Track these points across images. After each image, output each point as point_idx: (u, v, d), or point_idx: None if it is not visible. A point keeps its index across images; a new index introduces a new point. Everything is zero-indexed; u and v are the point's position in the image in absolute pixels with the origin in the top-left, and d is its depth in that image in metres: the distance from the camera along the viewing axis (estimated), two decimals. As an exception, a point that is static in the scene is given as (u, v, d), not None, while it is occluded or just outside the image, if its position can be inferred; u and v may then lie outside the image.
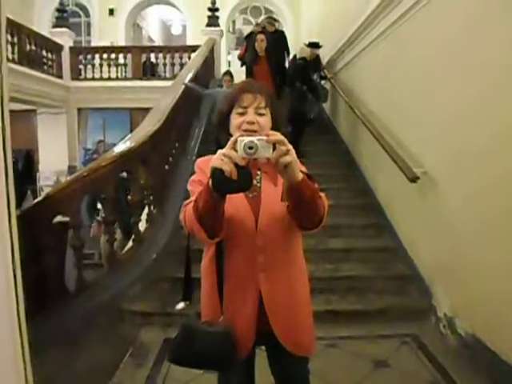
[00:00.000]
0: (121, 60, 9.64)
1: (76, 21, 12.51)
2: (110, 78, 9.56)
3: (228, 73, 6.05)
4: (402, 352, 2.77)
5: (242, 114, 1.34)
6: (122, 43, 11.54)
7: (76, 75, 9.64)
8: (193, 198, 1.24)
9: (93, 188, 3.26)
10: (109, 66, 9.54)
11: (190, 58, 8.89)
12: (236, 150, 1.09)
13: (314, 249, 3.65)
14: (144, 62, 9.78)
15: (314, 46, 6.08)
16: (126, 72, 9.69)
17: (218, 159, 1.09)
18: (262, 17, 12.42)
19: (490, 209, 2.42)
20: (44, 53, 8.84)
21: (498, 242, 2.36)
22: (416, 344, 2.84)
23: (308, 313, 1.46)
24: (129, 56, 9.70)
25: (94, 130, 9.95)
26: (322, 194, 1.27)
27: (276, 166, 1.11)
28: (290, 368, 1.47)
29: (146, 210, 3.87)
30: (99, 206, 4.82)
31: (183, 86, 5.19)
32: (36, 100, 8.49)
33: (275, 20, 7.27)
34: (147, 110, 4.70)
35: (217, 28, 9.24)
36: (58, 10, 9.84)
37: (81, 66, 9.73)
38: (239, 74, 6.19)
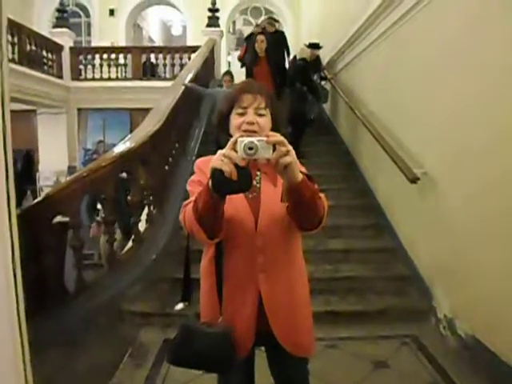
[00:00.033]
0: (121, 60, 9.64)
1: (76, 21, 12.52)
2: (110, 79, 9.57)
3: (228, 73, 6.05)
4: (401, 353, 2.77)
5: (241, 115, 1.33)
6: (122, 43, 11.55)
7: (76, 75, 9.65)
8: (192, 199, 1.24)
9: (93, 188, 3.26)
10: (109, 66, 9.55)
11: (190, 58, 8.89)
12: (236, 151, 1.08)
13: (313, 249, 3.65)
14: (144, 63, 9.79)
15: (315, 46, 6.09)
16: (126, 72, 9.70)
17: (217, 160, 1.09)
18: (263, 17, 12.42)
19: (490, 209, 2.42)
20: (44, 53, 8.85)
21: (498, 243, 2.36)
22: (416, 345, 2.84)
23: (308, 313, 1.46)
24: (129, 56, 9.70)
25: (94, 131, 9.96)
26: (322, 195, 1.27)
27: (276, 167, 1.11)
28: (290, 369, 1.47)
29: (145, 211, 3.87)
30: (99, 206, 4.82)
31: (183, 87, 5.19)
32: (36, 100, 8.50)
33: (275, 20, 7.27)
34: (147, 110, 4.70)
35: (217, 28, 9.24)
36: (58, 10, 9.85)
37: (81, 67, 9.74)
38: (239, 74, 6.18)
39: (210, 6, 9.30)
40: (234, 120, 1.35)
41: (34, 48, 8.38)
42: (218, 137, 1.43)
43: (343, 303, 3.28)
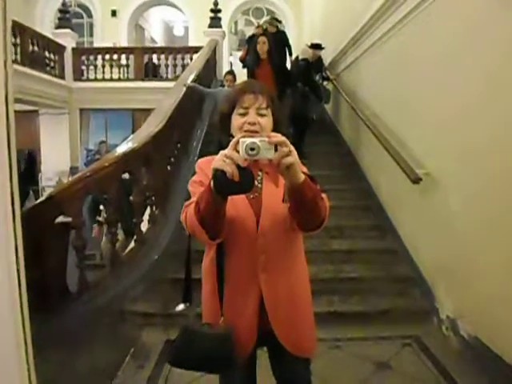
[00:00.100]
0: (123, 61, 9.66)
1: (78, 22, 12.52)
2: (112, 79, 9.58)
3: (230, 72, 6.04)
4: (404, 354, 2.76)
5: (243, 115, 1.33)
6: (124, 44, 11.59)
7: (78, 76, 9.67)
8: (194, 199, 1.24)
9: (95, 188, 3.26)
10: (111, 66, 9.56)
11: (192, 59, 8.91)
12: (238, 151, 1.08)
13: (316, 250, 3.65)
14: (146, 63, 9.80)
15: (317, 47, 6.09)
16: (128, 73, 9.72)
17: (219, 160, 1.09)
18: (264, 18, 12.44)
19: (493, 210, 2.42)
20: (46, 53, 8.87)
21: (501, 243, 2.35)
22: (418, 346, 2.83)
23: (309, 314, 1.46)
24: (131, 57, 9.72)
25: (96, 131, 9.98)
26: (324, 195, 1.27)
27: (278, 167, 1.11)
28: (292, 369, 1.47)
29: (148, 211, 3.88)
30: (101, 207, 4.82)
31: (185, 88, 5.19)
32: (38, 101, 8.52)
33: (278, 21, 7.27)
34: (149, 110, 4.71)
35: (219, 29, 9.25)
36: (60, 11, 9.87)
37: (83, 67, 9.76)
38: (241, 75, 6.19)
39: (212, 6, 9.31)
40: (236, 120, 1.34)
41: (36, 49, 8.41)
42: (219, 137, 1.43)
43: (345, 304, 3.27)
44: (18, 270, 1.24)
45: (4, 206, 1.21)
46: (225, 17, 10.67)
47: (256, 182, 1.31)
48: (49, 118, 9.45)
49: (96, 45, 11.87)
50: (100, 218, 5.23)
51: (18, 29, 7.66)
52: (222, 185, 1.09)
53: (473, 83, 2.58)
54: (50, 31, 10.05)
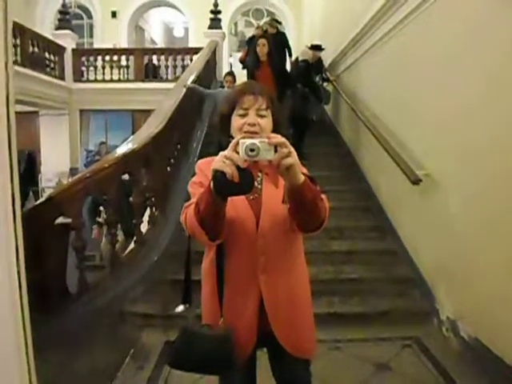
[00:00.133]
0: (123, 62, 9.67)
1: (79, 23, 12.53)
2: (112, 80, 9.59)
3: (230, 73, 6.05)
4: (404, 355, 2.76)
5: (242, 116, 1.33)
6: (124, 45, 11.61)
7: (78, 77, 9.67)
8: (193, 200, 1.24)
9: (95, 189, 3.26)
10: (111, 67, 9.57)
11: (191, 60, 8.92)
12: (238, 152, 1.08)
13: (316, 251, 3.65)
14: (146, 64, 9.80)
15: (317, 48, 6.10)
16: (128, 74, 9.73)
17: (219, 161, 1.09)
18: (264, 19, 12.44)
19: (493, 211, 2.42)
20: (47, 55, 8.88)
21: (501, 244, 2.35)
22: (418, 347, 2.83)
23: (309, 315, 1.46)
24: (131, 58, 9.73)
25: (96, 132, 9.99)
26: (324, 196, 1.27)
27: (278, 169, 1.11)
28: (292, 370, 1.47)
29: (147, 212, 3.88)
30: (101, 208, 4.83)
31: (184, 89, 5.19)
32: (38, 102, 8.52)
33: (277, 22, 7.27)
34: (149, 111, 4.72)
35: (219, 30, 9.25)
36: (60, 12, 9.87)
37: (83, 68, 9.76)
38: (240, 76, 6.19)
39: (212, 7, 9.31)
40: (235, 121, 1.34)
41: (36, 50, 8.41)
42: (219, 138, 1.43)
43: (345, 305, 3.27)
44: (18, 272, 1.24)
45: (5, 206, 1.21)
46: (225, 18, 10.68)
47: (256, 183, 1.31)
48: (49, 118, 9.45)
49: (96, 46, 11.89)
50: (100, 219, 5.24)
51: (18, 30, 7.66)
52: (222, 186, 1.09)
53: (473, 83, 2.58)
54: (50, 32, 10.06)
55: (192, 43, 11.81)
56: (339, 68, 6.27)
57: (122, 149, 3.50)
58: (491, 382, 2.37)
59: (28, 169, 9.39)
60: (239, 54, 7.83)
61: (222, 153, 1.10)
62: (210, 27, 9.23)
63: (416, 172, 3.25)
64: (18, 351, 1.25)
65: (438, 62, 3.02)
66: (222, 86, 6.34)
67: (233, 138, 1.25)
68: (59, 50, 9.32)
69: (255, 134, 1.26)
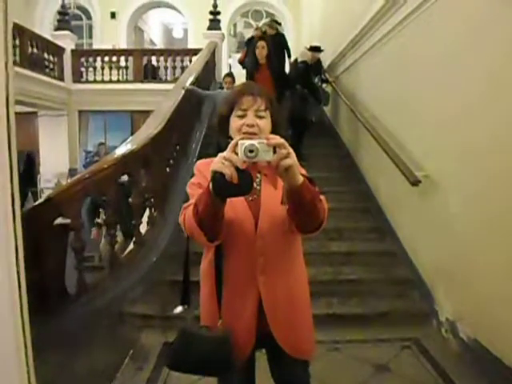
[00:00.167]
0: (122, 63, 9.66)
1: (78, 24, 12.53)
2: (111, 81, 9.60)
3: (229, 74, 6.05)
4: (403, 356, 2.76)
5: (241, 117, 1.33)
6: (123, 46, 11.58)
7: (77, 78, 9.67)
8: (192, 201, 1.24)
9: (94, 190, 3.26)
10: (110, 68, 9.57)
11: (191, 61, 8.93)
12: (237, 154, 1.08)
13: (315, 252, 3.64)
14: (145, 65, 9.80)
15: (316, 49, 6.10)
16: (127, 75, 9.72)
17: (218, 163, 1.08)
18: (263, 20, 12.46)
19: (493, 210, 2.42)
20: (46, 55, 8.88)
21: (500, 245, 2.35)
22: (417, 348, 2.83)
23: (308, 316, 1.45)
24: (130, 59, 9.73)
25: (95, 133, 9.99)
26: (322, 197, 1.27)
27: (277, 170, 1.11)
28: (291, 372, 1.46)
29: (147, 213, 3.87)
30: (100, 209, 4.82)
31: (183, 91, 5.19)
32: (37, 102, 8.52)
33: (277, 23, 7.27)
34: (148, 112, 4.72)
35: (218, 31, 9.26)
36: (59, 13, 9.87)
37: (82, 69, 9.76)
38: (240, 77, 6.19)
39: (211, 8, 9.32)
40: (234, 122, 1.34)
41: (35, 50, 8.41)
42: (218, 139, 1.43)
43: (344, 306, 3.27)
44: (18, 272, 1.24)
45: (4, 206, 1.21)
46: (224, 19, 10.67)
47: (254, 184, 1.31)
48: (48, 119, 9.44)
49: (95, 47, 11.89)
50: (99, 220, 5.24)
51: (18, 31, 7.65)
52: (221, 187, 1.09)
53: (474, 83, 2.58)
54: (49, 33, 10.06)
55: (191, 44, 11.83)
56: (338, 69, 6.27)
57: (121, 150, 3.50)
58: (490, 383, 2.37)
59: (27, 169, 9.38)
60: (238, 55, 7.83)
61: (220, 154, 1.10)
62: (209, 28, 9.24)
63: (415, 173, 3.26)
64: (17, 351, 1.25)
65: (439, 62, 3.02)
66: (222, 87, 6.34)
67: (232, 138, 1.25)
68: (58, 50, 9.32)
69: (254, 135, 1.26)
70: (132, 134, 6.02)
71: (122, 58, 9.68)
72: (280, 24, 7.86)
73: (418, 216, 3.45)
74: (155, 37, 15.38)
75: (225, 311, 1.34)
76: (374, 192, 4.62)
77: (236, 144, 1.09)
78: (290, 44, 7.10)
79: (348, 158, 5.61)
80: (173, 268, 3.27)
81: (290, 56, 6.85)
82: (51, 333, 2.41)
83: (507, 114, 2.25)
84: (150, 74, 9.79)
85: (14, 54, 7.47)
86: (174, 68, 9.40)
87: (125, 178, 3.67)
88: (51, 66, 9.07)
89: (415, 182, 3.21)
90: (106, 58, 9.65)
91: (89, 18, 13.00)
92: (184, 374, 1.39)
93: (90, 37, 12.96)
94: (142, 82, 9.58)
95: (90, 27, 12.98)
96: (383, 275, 3.58)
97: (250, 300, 1.34)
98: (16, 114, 1.29)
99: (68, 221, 2.85)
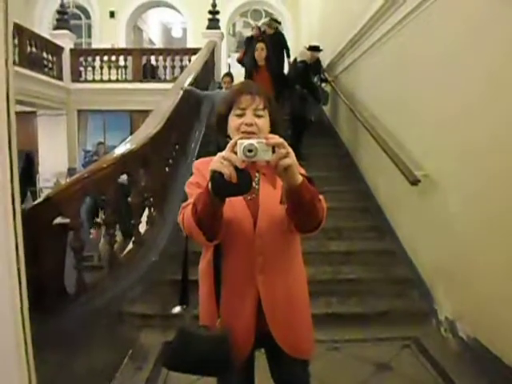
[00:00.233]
0: (121, 62, 9.65)
1: (77, 23, 12.53)
2: (110, 80, 9.59)
3: (228, 74, 6.05)
4: (403, 355, 2.76)
5: (240, 116, 1.32)
6: (122, 45, 11.58)
7: (76, 77, 9.66)
8: (191, 201, 1.23)
9: (93, 189, 3.26)
10: (109, 68, 9.56)
11: (190, 60, 8.92)
12: (235, 153, 1.08)
13: (314, 251, 3.64)
14: (144, 65, 9.80)
15: (315, 49, 6.10)
16: (126, 74, 9.71)
17: (217, 162, 1.08)
18: (263, 20, 12.45)
19: (493, 210, 2.42)
20: (45, 55, 8.87)
21: (500, 244, 2.35)
22: (417, 347, 2.83)
23: (307, 315, 1.45)
24: (129, 58, 9.72)
25: (94, 132, 9.98)
26: (321, 197, 1.26)
27: (276, 169, 1.10)
28: (290, 371, 1.46)
29: (146, 212, 3.87)
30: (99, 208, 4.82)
31: (181, 91, 5.19)
32: (36, 102, 8.51)
33: (277, 22, 7.26)
34: (147, 112, 4.71)
35: (217, 31, 9.25)
36: (58, 12, 9.87)
37: (81, 68, 9.75)
38: (239, 76, 6.18)
39: (210, 8, 9.31)
40: (232, 121, 1.34)
41: (34, 50, 8.40)
42: (217, 138, 1.43)
43: (344, 305, 3.27)
44: (18, 269, 1.24)
45: (4, 205, 1.20)
46: (223, 19, 10.67)
47: (253, 184, 1.31)
48: (47, 119, 9.43)
49: (94, 46, 11.90)
50: (98, 220, 5.23)
51: (17, 30, 7.64)
52: (220, 186, 1.09)
53: (474, 83, 2.58)
54: (48, 32, 10.05)
55: (190, 44, 11.83)
56: (337, 69, 6.27)
57: (120, 149, 3.49)
58: (490, 382, 2.37)
59: (26, 169, 9.37)
60: (237, 55, 7.83)
61: (219, 153, 1.10)
62: (209, 28, 9.23)
63: (415, 172, 3.26)
64: (17, 348, 1.25)
65: (438, 62, 3.02)
66: (221, 87, 6.34)
67: (230, 138, 1.25)
68: (57, 50, 9.31)
69: (252, 134, 1.25)
70: (131, 133, 6.03)
71: (121, 58, 9.67)
72: (279, 23, 7.85)
73: (417, 215, 3.45)
74: (154, 36, 15.37)
75: (224, 311, 1.34)
76: (374, 191, 4.62)
77: (235, 143, 1.09)
78: (288, 43, 7.11)
79: (347, 157, 5.60)
80: (172, 267, 3.27)
81: (289, 56, 6.85)
82: (50, 332, 2.41)
83: (507, 113, 2.25)
84: (149, 73, 9.78)
85: (13, 54, 7.46)
86: (173, 67, 9.39)
87: (124, 178, 3.67)
88: (50, 65, 9.06)
89: (415, 182, 3.21)
90: (105, 58, 9.64)
91: (88, 17, 13.00)
92: (183, 373, 1.38)
93: (89, 36, 12.95)
94: (141, 81, 9.57)
95: (89, 26, 12.97)
96: (382, 274, 3.58)
97: (248, 299, 1.34)
98: (15, 113, 1.29)
99: (67, 220, 2.85)
